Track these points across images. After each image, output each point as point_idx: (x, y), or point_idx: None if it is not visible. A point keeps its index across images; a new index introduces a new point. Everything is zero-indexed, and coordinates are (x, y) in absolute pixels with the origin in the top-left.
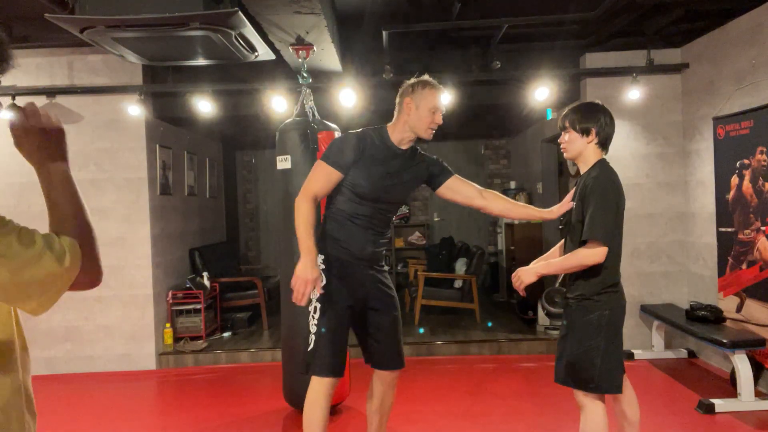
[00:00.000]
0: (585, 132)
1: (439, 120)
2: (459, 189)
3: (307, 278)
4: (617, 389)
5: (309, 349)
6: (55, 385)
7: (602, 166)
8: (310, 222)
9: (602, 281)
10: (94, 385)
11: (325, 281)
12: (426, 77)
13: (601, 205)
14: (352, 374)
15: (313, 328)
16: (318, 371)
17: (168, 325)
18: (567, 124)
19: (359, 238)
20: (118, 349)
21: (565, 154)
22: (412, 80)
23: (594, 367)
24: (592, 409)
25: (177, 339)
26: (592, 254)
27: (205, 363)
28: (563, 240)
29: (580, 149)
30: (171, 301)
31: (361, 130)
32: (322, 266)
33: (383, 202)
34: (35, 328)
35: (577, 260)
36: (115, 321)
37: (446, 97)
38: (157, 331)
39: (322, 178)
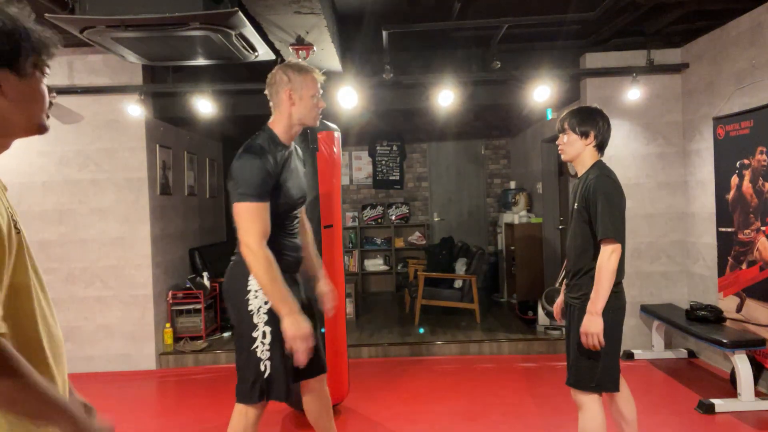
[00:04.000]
0: (584, 134)
1: (323, 104)
2: None
3: (304, 333)
4: (616, 387)
5: (265, 376)
6: None
7: (601, 166)
8: (275, 267)
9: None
10: (94, 385)
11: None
12: (297, 61)
13: (608, 204)
14: (352, 374)
15: (266, 354)
16: (276, 396)
17: (168, 325)
18: (566, 126)
19: (294, 248)
20: (118, 349)
21: (562, 156)
22: (283, 68)
23: (597, 367)
24: (590, 407)
25: (177, 339)
26: (611, 257)
27: (205, 363)
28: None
29: (578, 151)
30: (171, 301)
31: (253, 147)
32: None
33: (301, 203)
34: None
35: (607, 272)
36: (115, 321)
37: (447, 97)
38: (157, 331)
39: (259, 216)
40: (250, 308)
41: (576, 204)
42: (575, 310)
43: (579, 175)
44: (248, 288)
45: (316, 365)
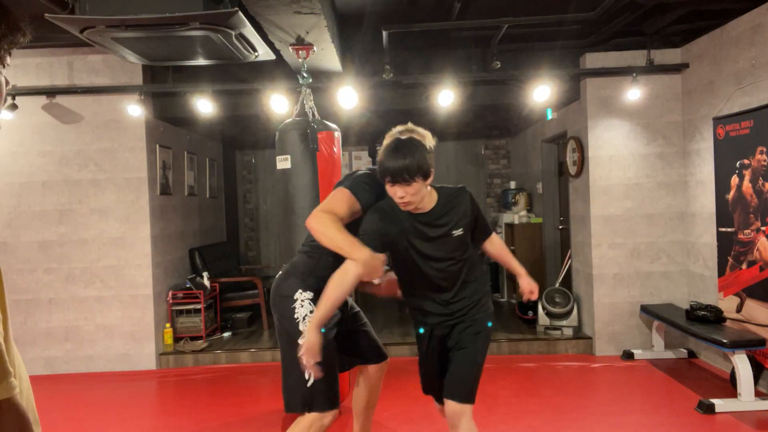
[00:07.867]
0: (428, 173)
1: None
2: None
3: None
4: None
5: (308, 385)
6: (55, 385)
7: (442, 187)
8: (338, 223)
9: (485, 286)
10: (94, 385)
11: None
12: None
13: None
14: (352, 374)
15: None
16: (323, 406)
17: (168, 325)
18: (415, 176)
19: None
20: (118, 349)
21: (407, 207)
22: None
23: (478, 378)
24: (469, 425)
25: (177, 339)
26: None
27: (205, 363)
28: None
29: (423, 194)
30: (171, 301)
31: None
32: (311, 294)
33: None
34: (35, 328)
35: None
36: (115, 321)
37: (447, 97)
38: (157, 331)
39: (345, 200)
40: (296, 316)
41: (454, 229)
42: (481, 323)
43: (428, 208)
44: (295, 297)
45: (381, 350)
